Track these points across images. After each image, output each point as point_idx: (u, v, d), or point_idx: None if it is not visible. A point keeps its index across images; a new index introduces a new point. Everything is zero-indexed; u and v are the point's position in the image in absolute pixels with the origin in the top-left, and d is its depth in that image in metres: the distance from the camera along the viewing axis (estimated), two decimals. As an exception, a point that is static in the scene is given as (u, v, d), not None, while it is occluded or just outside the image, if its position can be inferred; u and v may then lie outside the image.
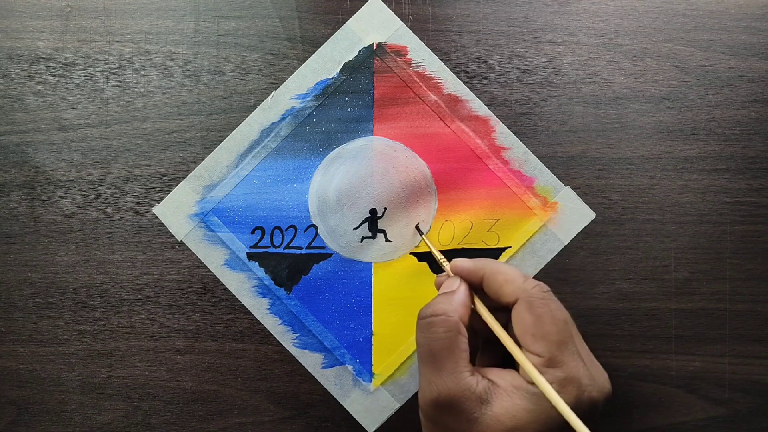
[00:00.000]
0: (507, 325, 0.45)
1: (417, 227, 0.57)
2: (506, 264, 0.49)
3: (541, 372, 0.41)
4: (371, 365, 0.57)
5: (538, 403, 0.41)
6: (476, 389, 0.41)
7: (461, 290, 0.47)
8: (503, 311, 0.46)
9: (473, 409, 0.41)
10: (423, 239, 0.56)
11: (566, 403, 0.40)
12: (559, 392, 0.41)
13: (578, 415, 0.40)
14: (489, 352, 0.49)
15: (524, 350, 0.43)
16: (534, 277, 0.56)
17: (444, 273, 0.50)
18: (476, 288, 0.47)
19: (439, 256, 0.51)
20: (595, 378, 0.42)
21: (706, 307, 0.57)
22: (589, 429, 0.40)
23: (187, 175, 0.57)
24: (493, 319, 0.46)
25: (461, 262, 0.48)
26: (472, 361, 0.45)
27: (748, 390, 0.57)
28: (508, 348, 0.44)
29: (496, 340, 0.45)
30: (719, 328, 0.57)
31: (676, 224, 0.57)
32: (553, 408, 0.40)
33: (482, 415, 0.41)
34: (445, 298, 0.46)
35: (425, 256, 0.57)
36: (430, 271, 0.57)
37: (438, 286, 0.49)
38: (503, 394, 0.42)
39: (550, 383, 0.41)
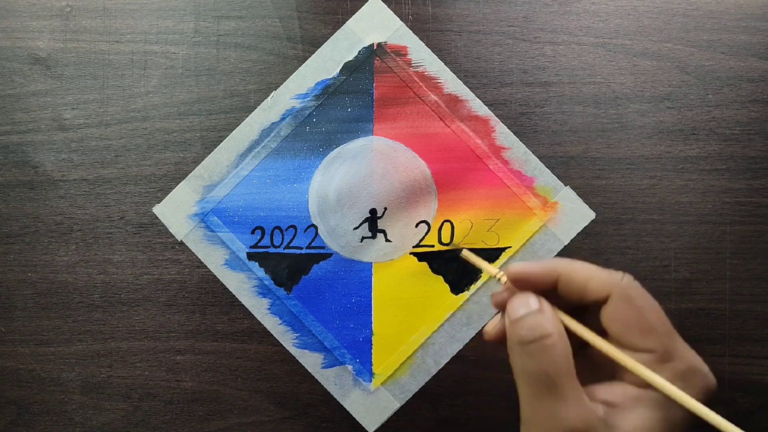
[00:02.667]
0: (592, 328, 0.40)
1: (458, 252, 0.54)
2: (576, 260, 0.41)
3: (658, 370, 0.37)
4: (371, 365, 0.57)
5: (666, 408, 0.37)
6: (600, 415, 0.36)
7: (547, 305, 0.39)
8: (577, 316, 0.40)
9: None
10: (467, 255, 0.47)
11: (696, 397, 0.36)
12: (685, 387, 0.36)
13: (710, 407, 0.36)
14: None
15: (627, 351, 0.38)
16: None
17: (502, 287, 0.42)
18: (544, 294, 0.40)
19: (494, 270, 0.43)
20: (707, 365, 0.38)
21: (706, 307, 0.57)
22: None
23: (187, 175, 0.57)
24: (587, 330, 0.40)
25: (524, 267, 0.40)
26: None
27: (748, 390, 0.57)
28: (614, 357, 0.38)
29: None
30: (719, 328, 0.57)
31: (676, 224, 0.57)
32: (683, 406, 0.36)
33: None
34: (541, 318, 0.38)
35: (425, 256, 0.57)
36: (430, 271, 0.57)
37: (500, 305, 0.41)
38: (625, 411, 0.37)
39: (674, 379, 0.36)
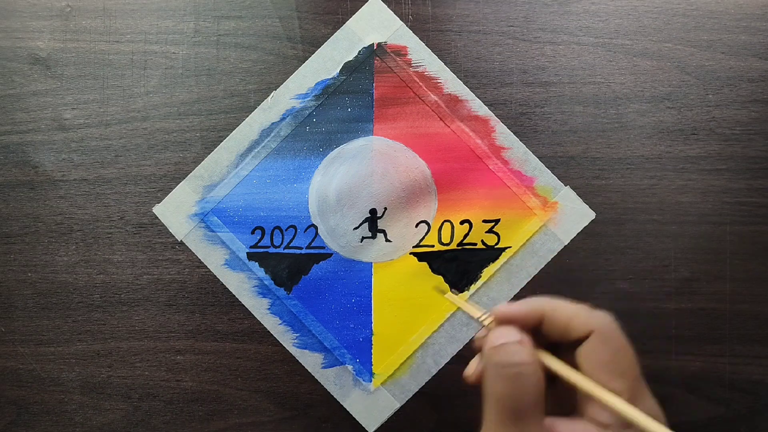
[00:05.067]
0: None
1: (441, 289, 0.54)
2: (558, 299, 0.43)
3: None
4: (371, 365, 0.57)
5: None
6: None
7: (527, 339, 0.40)
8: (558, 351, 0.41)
9: None
10: (452, 299, 0.51)
11: None
12: None
13: None
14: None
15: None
16: (534, 277, 0.56)
17: (484, 319, 0.44)
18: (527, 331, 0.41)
19: (479, 313, 0.44)
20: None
21: (706, 307, 0.57)
22: None
23: (187, 175, 0.57)
24: (564, 365, 0.40)
25: (510, 309, 0.42)
26: None
27: (748, 390, 0.57)
28: (592, 393, 0.38)
29: None
30: (719, 328, 0.57)
31: (677, 224, 0.57)
32: None
33: None
34: (519, 348, 0.39)
35: (425, 256, 0.57)
36: (430, 271, 0.57)
37: (479, 341, 0.43)
38: None
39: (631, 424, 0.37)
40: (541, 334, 0.41)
